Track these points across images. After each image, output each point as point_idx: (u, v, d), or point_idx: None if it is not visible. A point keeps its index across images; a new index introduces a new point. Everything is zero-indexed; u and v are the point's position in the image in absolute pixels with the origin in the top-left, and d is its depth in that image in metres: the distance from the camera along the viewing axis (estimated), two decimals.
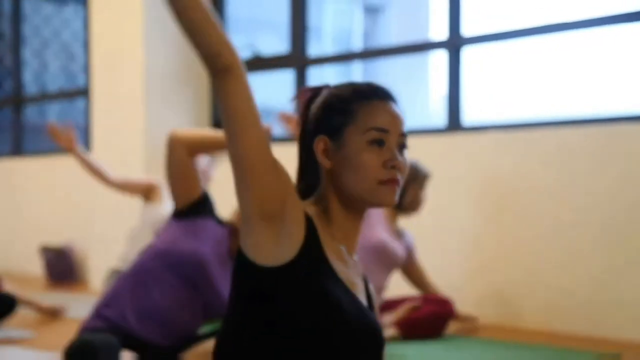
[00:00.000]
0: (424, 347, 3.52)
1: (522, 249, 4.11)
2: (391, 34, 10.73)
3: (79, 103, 6.72)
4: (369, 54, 5.91)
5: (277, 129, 7.12)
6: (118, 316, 2.66)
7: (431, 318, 3.70)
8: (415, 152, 4.51)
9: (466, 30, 4.48)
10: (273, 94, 6.99)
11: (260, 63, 5.60)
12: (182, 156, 2.67)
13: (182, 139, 2.68)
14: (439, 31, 4.66)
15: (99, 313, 2.70)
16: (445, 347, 3.52)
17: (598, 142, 3.91)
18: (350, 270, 1.52)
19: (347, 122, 1.51)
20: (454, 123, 4.51)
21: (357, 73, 8.20)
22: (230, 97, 1.38)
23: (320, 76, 7.62)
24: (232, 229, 2.85)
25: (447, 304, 3.74)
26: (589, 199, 3.93)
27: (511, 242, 4.13)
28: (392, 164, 1.48)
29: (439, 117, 4.78)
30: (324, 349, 1.43)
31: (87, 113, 6.22)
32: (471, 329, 3.97)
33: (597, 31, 4.14)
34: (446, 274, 4.27)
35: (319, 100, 1.57)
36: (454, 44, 4.51)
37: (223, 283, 2.79)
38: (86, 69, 6.18)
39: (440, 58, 4.68)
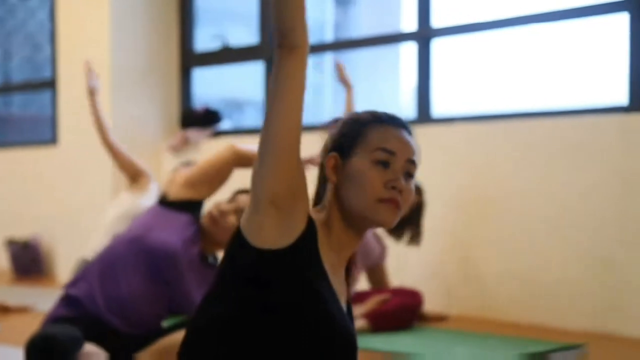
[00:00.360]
0: (394, 338, 3.52)
1: (492, 240, 4.13)
2: (362, 26, 10.74)
3: (45, 95, 6.63)
4: (339, 45, 5.88)
5: (248, 120, 7.10)
6: (86, 297, 2.65)
7: (400, 310, 3.71)
8: None
9: (436, 22, 4.47)
10: (243, 86, 6.95)
11: (229, 54, 5.55)
12: (230, 168, 2.80)
13: (242, 158, 2.78)
14: (410, 23, 4.66)
15: (67, 294, 2.70)
16: (414, 338, 3.52)
17: (568, 133, 3.94)
18: (338, 281, 1.55)
19: (358, 142, 1.56)
20: (424, 115, 4.51)
21: (328, 65, 8.19)
22: (289, 76, 1.42)
23: None
24: (202, 231, 2.84)
25: (416, 296, 3.75)
26: (561, 191, 3.95)
27: (482, 233, 4.14)
28: (394, 184, 1.51)
29: (410, 108, 4.77)
30: (304, 338, 1.45)
31: (53, 105, 6.14)
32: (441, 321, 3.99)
33: (567, 24, 4.16)
34: (416, 265, 4.28)
35: (339, 122, 1.65)
36: (424, 35, 4.50)
37: (190, 281, 2.77)
38: (52, 60, 6.10)
39: (410, 50, 4.67)
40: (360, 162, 1.53)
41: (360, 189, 1.52)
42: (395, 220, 1.53)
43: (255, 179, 1.45)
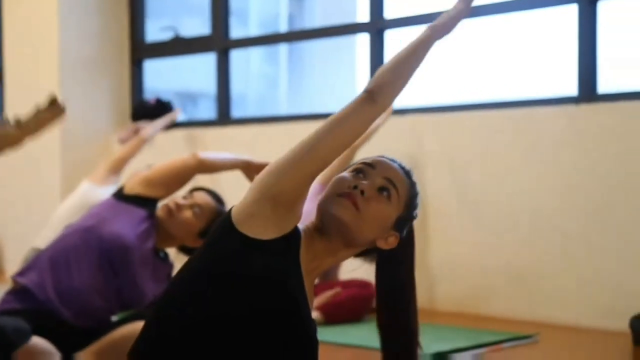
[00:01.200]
0: (347, 330, 3.52)
1: (442, 232, 4.14)
2: (317, 17, 10.71)
3: None
4: (292, 36, 5.87)
5: (202, 112, 7.04)
6: (36, 286, 2.63)
7: (352, 301, 3.71)
8: None
9: (389, 13, 4.47)
10: (196, 78, 6.89)
11: (181, 45, 5.49)
12: (191, 175, 2.89)
13: (205, 167, 2.90)
14: (364, 14, 4.66)
15: (15, 286, 2.67)
16: (367, 330, 3.52)
17: (519, 124, 3.97)
18: (308, 287, 1.59)
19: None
20: None
21: (283, 57, 8.15)
22: (358, 119, 1.53)
23: (246, 60, 7.53)
24: (156, 225, 2.82)
25: (367, 287, 3.75)
26: (512, 181, 3.98)
27: (432, 224, 4.15)
28: (357, 184, 1.57)
29: None
30: (275, 336, 1.50)
31: (0, 96, 6.01)
32: None
33: (517, 15, 4.18)
34: None
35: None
36: (377, 26, 4.50)
37: (143, 275, 2.75)
38: None
39: (364, 41, 4.67)
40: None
41: (330, 188, 1.60)
42: (348, 217, 1.55)
43: (271, 174, 1.52)
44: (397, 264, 1.68)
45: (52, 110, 2.66)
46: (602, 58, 3.83)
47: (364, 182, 1.59)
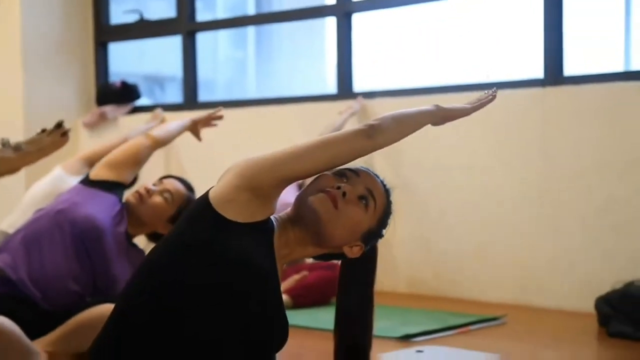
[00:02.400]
0: (315, 313, 3.53)
1: (408, 214, 4.15)
2: (285, 0, 10.65)
3: None
4: (259, 19, 5.83)
5: (168, 96, 6.99)
6: (8, 267, 2.60)
7: (320, 283, 3.71)
8: (307, 118, 4.50)
9: None
10: (161, 61, 6.82)
11: (146, 28, 5.43)
12: (149, 152, 2.96)
13: (159, 143, 3.01)
14: None
15: None
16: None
17: (486, 107, 3.97)
18: (279, 272, 1.64)
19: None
20: (345, 89, 4.50)
21: (251, 40, 8.10)
22: (350, 148, 1.60)
23: (213, 44, 7.48)
24: (127, 210, 2.82)
25: (334, 268, 3.75)
26: (479, 163, 3.99)
27: (398, 207, 4.15)
28: (340, 186, 1.62)
29: (333, 83, 4.76)
30: (243, 319, 1.53)
31: None
32: None
33: None
34: None
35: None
36: (344, 9, 4.48)
37: (115, 259, 2.74)
38: None
39: (332, 24, 4.65)
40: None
41: (312, 183, 1.65)
42: (325, 213, 1.60)
43: (255, 166, 1.57)
44: (360, 277, 1.75)
45: (55, 136, 2.61)
46: (567, 41, 3.85)
47: (347, 185, 1.64)
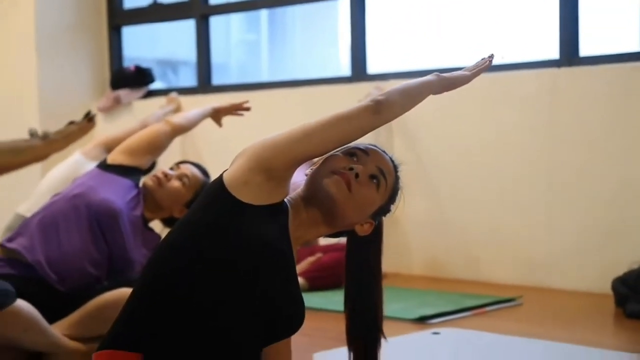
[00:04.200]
0: (330, 295, 3.53)
1: (423, 196, 4.15)
2: None
3: None
4: (272, 1, 5.80)
5: (182, 80, 6.99)
6: (26, 250, 2.63)
7: (335, 265, 3.72)
8: (321, 101, 4.49)
9: None
10: (176, 45, 6.82)
11: (159, 11, 5.42)
12: (168, 140, 3.00)
13: (178, 130, 3.05)
14: None
15: (3, 249, 2.66)
16: None
17: (501, 87, 3.96)
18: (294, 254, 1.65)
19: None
20: (359, 72, 4.49)
21: (264, 23, 8.08)
22: (358, 124, 1.60)
23: (226, 28, 7.46)
24: (144, 194, 2.84)
25: None
26: (496, 145, 3.98)
27: (412, 188, 4.15)
28: (352, 167, 1.63)
29: (347, 65, 4.75)
30: (257, 282, 1.53)
31: None
32: None
33: None
34: None
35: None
36: None
37: (132, 242, 2.76)
38: None
39: (345, 6, 4.62)
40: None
41: (323, 164, 1.65)
42: (339, 195, 1.61)
43: (268, 148, 1.58)
44: (367, 250, 1.74)
45: (82, 124, 2.64)
46: (584, 21, 3.82)
47: (359, 165, 1.64)
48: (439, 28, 4.96)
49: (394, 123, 4.14)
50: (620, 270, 3.37)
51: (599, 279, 3.56)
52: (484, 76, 4.03)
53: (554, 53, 3.87)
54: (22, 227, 2.75)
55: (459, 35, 4.79)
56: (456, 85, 1.77)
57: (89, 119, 2.68)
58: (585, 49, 3.82)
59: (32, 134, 2.55)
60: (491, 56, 1.85)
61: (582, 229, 3.73)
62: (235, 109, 3.34)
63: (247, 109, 3.32)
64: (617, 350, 2.69)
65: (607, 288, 3.39)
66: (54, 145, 2.60)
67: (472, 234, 4.04)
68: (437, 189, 4.13)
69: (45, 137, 2.54)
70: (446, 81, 1.75)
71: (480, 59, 1.84)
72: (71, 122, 2.67)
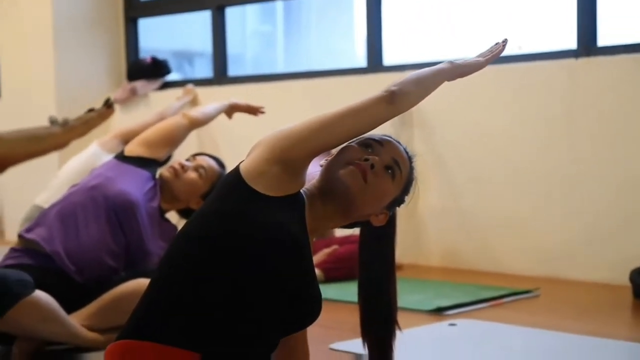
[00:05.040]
0: (346, 286, 3.53)
1: (438, 186, 4.13)
2: None
3: None
4: None
5: (198, 71, 6.99)
6: (44, 240, 2.65)
7: (351, 256, 3.71)
8: (337, 92, 4.48)
9: None
10: (189, 36, 6.83)
11: (175, 3, 5.43)
12: (185, 133, 3.04)
13: (195, 123, 3.12)
14: None
15: (21, 243, 2.68)
16: None
17: (519, 79, 3.94)
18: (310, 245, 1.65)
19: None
20: (375, 63, 4.47)
21: (279, 15, 8.07)
22: (373, 113, 1.60)
23: (241, 17, 7.46)
24: (161, 185, 2.85)
25: None
26: (513, 136, 3.96)
27: (428, 178, 4.14)
28: (367, 157, 1.62)
29: (362, 56, 4.73)
30: (275, 293, 1.54)
31: None
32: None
33: None
34: None
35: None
36: None
37: (149, 233, 2.77)
38: None
39: None
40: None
41: (339, 155, 1.65)
42: (355, 186, 1.60)
43: (284, 139, 1.58)
44: (380, 241, 1.74)
45: (102, 111, 2.65)
46: (601, 10, 3.79)
47: (374, 157, 1.64)
48: (455, 18, 4.93)
49: (411, 114, 4.15)
50: (638, 262, 3.35)
51: (617, 270, 3.54)
52: (501, 67, 4.02)
53: (572, 43, 3.84)
54: (40, 217, 2.77)
55: (475, 25, 4.77)
56: (470, 71, 1.75)
57: (108, 105, 2.69)
58: (604, 39, 3.79)
59: (53, 121, 2.56)
60: (504, 41, 1.81)
61: (600, 219, 3.71)
62: (250, 111, 3.43)
63: (262, 113, 3.41)
64: (636, 342, 2.68)
65: (625, 279, 3.37)
66: (74, 132, 2.61)
67: (489, 224, 4.02)
68: (453, 180, 4.12)
69: (65, 124, 2.55)
70: (460, 68, 1.74)
71: (494, 44, 1.81)
72: (90, 110, 2.68)
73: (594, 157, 3.73)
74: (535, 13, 4.52)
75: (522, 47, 4.12)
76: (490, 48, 1.80)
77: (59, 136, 2.57)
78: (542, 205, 3.87)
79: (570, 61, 3.80)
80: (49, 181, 4.10)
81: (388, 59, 4.49)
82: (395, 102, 1.60)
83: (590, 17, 3.78)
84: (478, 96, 4.01)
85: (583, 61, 3.77)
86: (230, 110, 3.42)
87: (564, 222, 3.81)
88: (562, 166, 3.81)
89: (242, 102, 3.44)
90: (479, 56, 1.78)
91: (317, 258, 3.68)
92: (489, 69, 4.13)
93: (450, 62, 1.73)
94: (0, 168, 2.46)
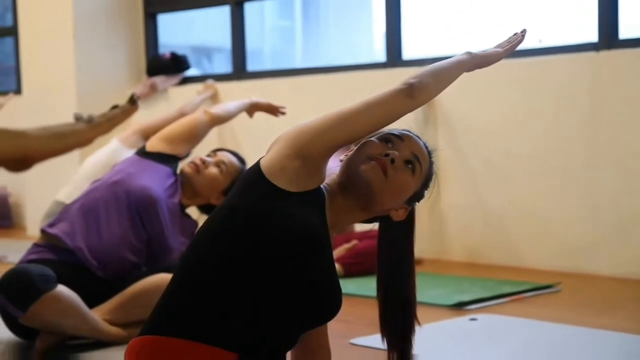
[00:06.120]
0: (366, 282, 3.53)
1: (458, 181, 4.12)
2: None
3: (8, 43, 6.49)
4: None
5: (216, 66, 7.00)
6: (67, 235, 2.67)
7: (371, 251, 3.70)
8: (356, 87, 4.47)
9: None
10: (208, 32, 6.84)
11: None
12: (206, 130, 3.05)
13: (217, 120, 3.11)
14: None
15: (43, 239, 2.69)
16: None
17: (539, 72, 3.92)
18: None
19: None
20: (394, 57, 4.46)
21: (298, 10, 8.07)
22: (392, 107, 1.60)
23: (260, 12, 7.46)
24: (181, 181, 2.86)
25: None
26: (534, 130, 3.94)
27: (447, 174, 4.12)
28: (388, 152, 1.62)
29: (381, 51, 4.72)
30: (296, 268, 1.54)
31: (16, 53, 6.00)
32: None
33: None
34: None
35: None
36: None
37: (170, 229, 2.79)
38: (13, 7, 5.94)
39: None
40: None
41: (359, 150, 1.65)
42: (376, 181, 1.60)
43: (304, 134, 1.59)
44: (400, 236, 1.74)
45: (126, 107, 2.67)
46: (623, 2, 3.75)
47: (394, 151, 1.63)
48: (474, 12, 4.91)
49: (434, 110, 4.14)
50: None
51: (639, 265, 3.51)
52: (522, 61, 4.00)
53: (593, 36, 3.81)
54: (62, 213, 2.79)
55: (495, 19, 4.74)
56: (489, 62, 1.74)
57: (133, 102, 2.70)
58: (625, 31, 3.76)
59: (78, 118, 2.58)
60: (523, 31, 1.79)
61: (623, 213, 3.68)
62: (271, 110, 3.43)
63: (283, 114, 3.40)
64: None
65: None
66: (99, 129, 2.63)
67: (510, 219, 4.01)
68: (475, 175, 4.10)
69: (90, 120, 2.56)
70: (478, 59, 1.72)
71: (513, 34, 1.79)
72: (115, 106, 2.70)
73: (616, 151, 3.70)
74: (556, 6, 4.49)
75: (542, 41, 4.10)
76: (509, 38, 1.78)
77: (83, 133, 2.59)
78: (563, 200, 3.85)
79: (592, 54, 3.77)
80: (69, 177, 4.13)
81: (407, 54, 4.47)
82: (414, 95, 1.59)
83: (611, 9, 3.75)
84: (499, 91, 3.99)
85: (604, 54, 3.74)
86: (252, 108, 3.42)
87: (585, 216, 3.78)
88: (584, 160, 3.78)
89: (263, 100, 3.44)
90: (497, 47, 1.76)
91: (336, 253, 3.68)
92: (510, 63, 4.13)
93: (469, 53, 1.72)
94: (26, 165, 2.48)
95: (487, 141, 4.06)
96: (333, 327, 1.73)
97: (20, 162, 2.45)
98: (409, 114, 1.64)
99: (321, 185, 1.64)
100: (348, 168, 1.65)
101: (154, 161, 2.87)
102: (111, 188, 2.76)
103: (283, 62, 7.45)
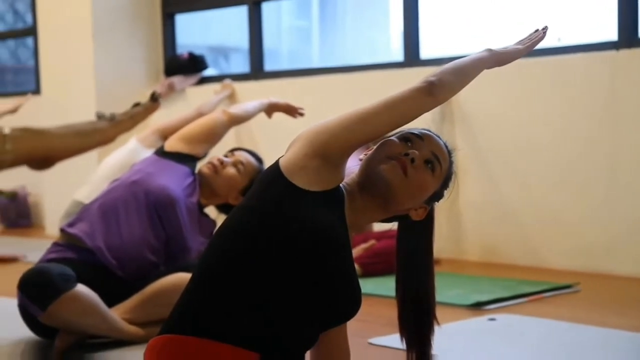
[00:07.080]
0: (384, 281, 3.53)
1: (476, 181, 4.11)
2: None
3: (29, 43, 6.54)
4: None
5: (234, 66, 7.02)
6: (86, 235, 2.68)
7: (389, 251, 3.70)
8: (373, 86, 4.47)
9: None
10: (228, 32, 6.86)
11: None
12: (224, 130, 3.05)
13: (235, 120, 3.12)
14: None
15: (63, 237, 2.70)
16: None
17: (558, 71, 3.90)
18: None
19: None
20: (412, 57, 4.45)
21: (315, 10, 8.08)
22: (413, 105, 1.58)
23: (277, 12, 7.47)
24: (199, 181, 2.87)
25: None
26: (553, 129, 3.92)
27: (465, 173, 4.11)
28: (408, 152, 1.61)
29: (398, 51, 4.71)
30: (315, 268, 1.54)
31: (35, 54, 6.04)
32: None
33: None
34: None
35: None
36: None
37: (189, 228, 2.79)
38: (32, 7, 5.98)
39: None
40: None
41: (378, 149, 1.64)
42: (396, 180, 1.59)
43: (323, 133, 1.58)
44: (419, 236, 1.73)
45: (148, 105, 2.69)
46: None
47: (414, 151, 1.63)
48: (493, 10, 4.89)
49: (452, 109, 4.12)
50: None
51: None
52: (540, 59, 3.98)
53: (612, 34, 3.79)
54: (82, 212, 2.80)
55: (514, 18, 4.72)
56: (509, 59, 1.72)
57: (154, 99, 2.72)
58: None
59: (100, 116, 2.60)
60: (545, 28, 1.77)
61: None
62: (289, 111, 3.42)
63: (302, 115, 3.39)
64: None
65: None
66: (121, 127, 2.65)
67: (529, 219, 3.99)
68: (493, 174, 4.08)
69: (112, 118, 2.58)
70: (498, 55, 1.71)
71: (534, 30, 1.78)
72: (136, 104, 2.72)
73: (636, 151, 3.67)
74: (575, 4, 4.47)
75: (561, 39, 4.08)
76: (530, 35, 1.77)
77: (106, 131, 2.61)
78: (582, 199, 3.83)
79: (611, 53, 3.75)
80: (88, 177, 4.15)
81: (425, 53, 4.46)
82: (434, 93, 1.58)
83: (631, 7, 3.72)
84: (518, 90, 3.97)
85: (624, 53, 3.71)
86: (270, 109, 3.41)
87: (605, 215, 3.76)
88: (603, 159, 3.76)
89: (281, 101, 3.42)
90: (518, 43, 1.75)
91: (354, 253, 3.65)
92: (529, 61, 4.12)
93: (489, 50, 1.71)
94: (49, 163, 2.50)
95: (505, 141, 4.04)
96: (351, 326, 1.72)
97: (43, 161, 2.47)
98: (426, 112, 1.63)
99: (340, 185, 1.63)
100: (368, 167, 1.65)
101: (172, 161, 2.87)
102: (130, 188, 2.77)
103: (300, 62, 7.46)
